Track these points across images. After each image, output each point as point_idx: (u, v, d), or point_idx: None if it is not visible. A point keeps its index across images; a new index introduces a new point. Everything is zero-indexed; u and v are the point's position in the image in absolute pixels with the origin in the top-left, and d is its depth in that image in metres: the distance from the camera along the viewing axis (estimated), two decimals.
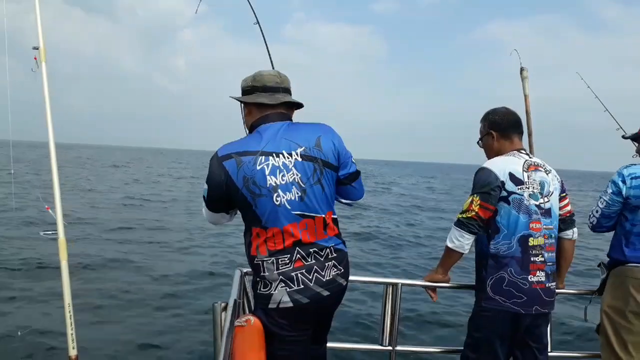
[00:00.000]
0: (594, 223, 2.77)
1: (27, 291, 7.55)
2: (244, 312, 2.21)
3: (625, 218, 2.65)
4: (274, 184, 1.96)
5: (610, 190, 2.66)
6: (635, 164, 2.69)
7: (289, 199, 1.97)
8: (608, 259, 2.76)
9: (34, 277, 8.62)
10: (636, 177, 2.59)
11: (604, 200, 2.68)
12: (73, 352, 2.95)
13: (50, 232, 3.13)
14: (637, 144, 2.81)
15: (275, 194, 1.96)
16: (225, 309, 1.86)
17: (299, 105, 2.22)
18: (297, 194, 1.99)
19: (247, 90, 2.15)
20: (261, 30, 3.21)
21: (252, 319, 1.92)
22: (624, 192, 2.62)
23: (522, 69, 3.58)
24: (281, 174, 1.98)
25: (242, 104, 2.18)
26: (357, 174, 2.22)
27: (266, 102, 2.10)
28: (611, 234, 2.82)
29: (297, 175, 2.00)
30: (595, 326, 2.77)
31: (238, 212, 2.15)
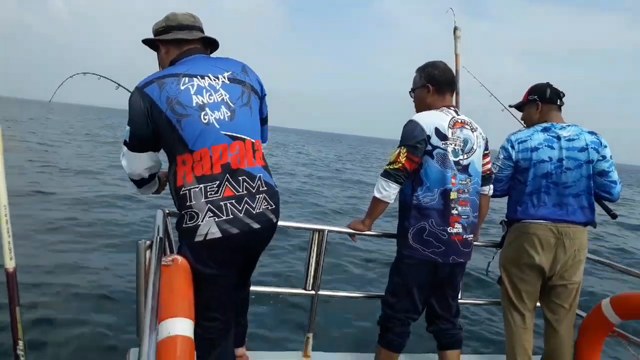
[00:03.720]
0: None
1: None
2: (166, 254, 2.15)
3: (517, 181, 2.85)
4: (201, 103, 1.90)
5: (502, 156, 2.84)
6: (520, 130, 2.92)
7: (217, 117, 1.91)
8: (506, 219, 2.96)
9: None
10: (522, 142, 2.79)
11: (497, 165, 2.85)
12: (11, 264, 2.50)
13: None
14: (522, 112, 3.04)
15: (203, 112, 1.89)
16: (150, 247, 1.80)
17: (214, 45, 2.19)
18: (227, 113, 1.93)
19: (161, 30, 2.10)
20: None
21: (179, 258, 1.87)
22: (513, 157, 2.80)
23: (455, 28, 3.64)
24: (208, 93, 1.92)
25: (159, 45, 2.11)
26: (267, 116, 2.23)
27: (185, 38, 2.06)
28: None
29: (226, 95, 1.96)
30: (497, 277, 3.00)
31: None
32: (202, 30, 2.13)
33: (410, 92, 2.73)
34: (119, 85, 2.80)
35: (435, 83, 2.60)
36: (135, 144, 1.97)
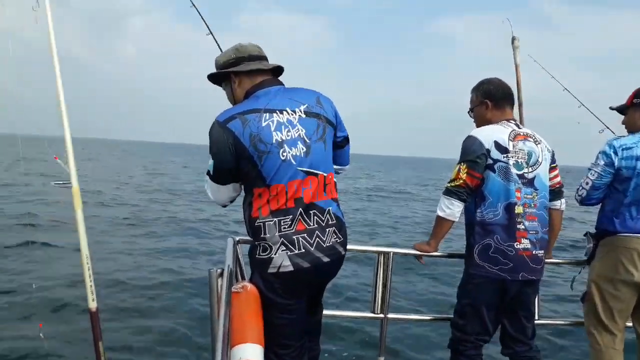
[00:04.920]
0: (583, 195, 2.76)
1: (43, 245, 8.12)
2: (237, 280, 2.22)
3: (615, 189, 2.67)
4: (280, 140, 1.94)
5: (602, 162, 2.66)
6: (623, 136, 2.72)
7: (294, 154, 1.95)
8: (595, 230, 2.79)
9: (48, 229, 9.16)
10: (627, 148, 2.60)
11: (595, 172, 2.68)
12: (93, 305, 2.78)
13: (61, 182, 2.95)
14: (624, 116, 2.81)
15: (282, 149, 1.94)
16: (221, 275, 1.87)
17: (281, 72, 2.22)
18: (303, 149, 1.97)
19: (231, 62, 2.12)
20: (215, 41, 3.05)
21: (249, 285, 1.93)
22: (616, 163, 2.62)
23: (513, 39, 3.57)
24: (286, 129, 1.96)
25: (232, 77, 2.13)
26: (348, 138, 2.23)
27: (260, 68, 2.09)
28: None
29: (302, 130, 1.99)
30: (581, 294, 2.83)
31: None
32: (267, 59, 2.17)
33: (468, 112, 2.71)
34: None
35: (492, 98, 2.57)
36: (219, 176, 2.03)
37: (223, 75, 2.16)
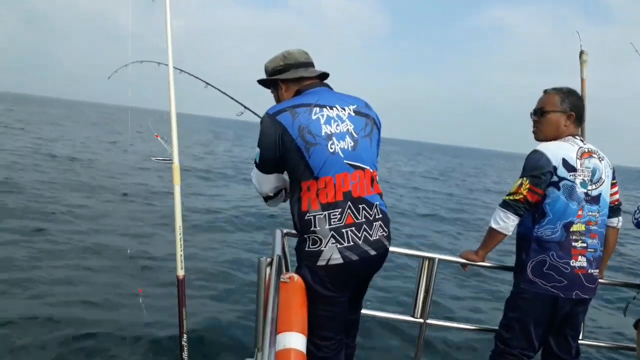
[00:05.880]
0: None
1: (136, 213, 8.85)
2: (284, 271, 2.26)
3: None
4: (329, 132, 2.01)
5: None
6: None
7: (342, 147, 2.01)
8: None
9: (144, 200, 9.98)
10: None
11: None
12: (181, 273, 2.95)
13: (160, 158, 3.11)
14: None
15: (330, 142, 2.00)
16: (270, 264, 1.92)
17: (326, 77, 2.29)
18: (350, 143, 2.04)
19: (279, 69, 2.21)
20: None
21: (296, 276, 1.97)
22: None
23: (581, 52, 3.44)
24: (335, 123, 2.03)
25: (279, 83, 2.22)
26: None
27: (307, 75, 2.18)
28: None
29: (351, 125, 2.06)
30: (635, 321, 2.72)
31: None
32: (314, 65, 2.25)
33: (536, 111, 2.54)
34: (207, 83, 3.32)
35: (578, 112, 2.49)
36: (264, 165, 2.11)
37: (273, 81, 2.25)
